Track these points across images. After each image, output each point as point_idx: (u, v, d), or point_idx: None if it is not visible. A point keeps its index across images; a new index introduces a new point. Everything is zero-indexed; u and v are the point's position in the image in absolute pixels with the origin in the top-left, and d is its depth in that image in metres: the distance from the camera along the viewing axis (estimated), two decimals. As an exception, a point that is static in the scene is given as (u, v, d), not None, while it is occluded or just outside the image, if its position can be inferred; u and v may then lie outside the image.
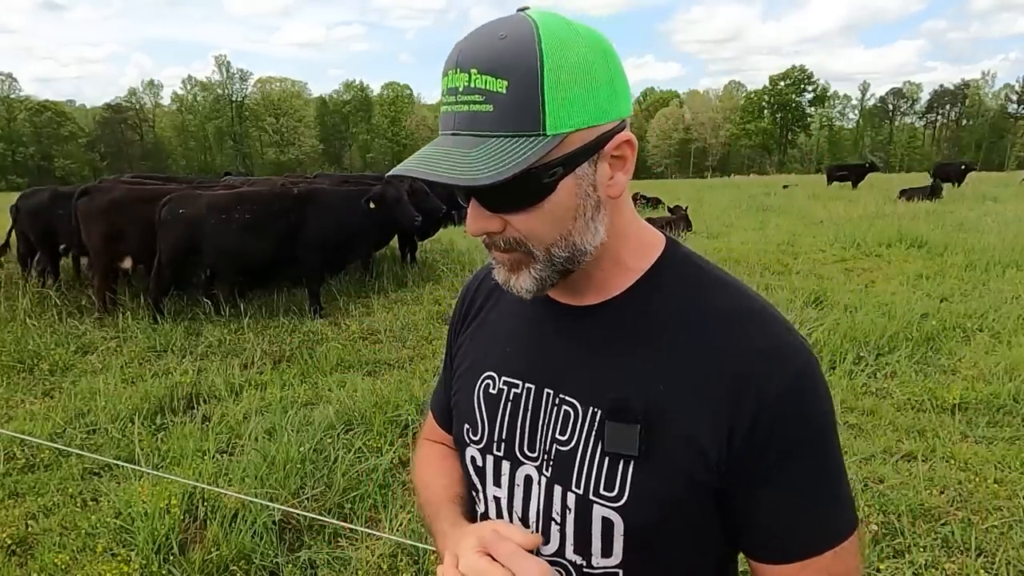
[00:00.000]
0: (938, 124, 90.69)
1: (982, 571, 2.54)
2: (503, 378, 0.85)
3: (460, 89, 0.66)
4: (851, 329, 5.29)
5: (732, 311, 0.74)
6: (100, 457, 3.50)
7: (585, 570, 0.76)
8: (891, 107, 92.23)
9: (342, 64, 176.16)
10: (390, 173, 0.73)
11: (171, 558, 2.64)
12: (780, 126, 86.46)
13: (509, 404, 0.83)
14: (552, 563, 0.77)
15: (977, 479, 3.21)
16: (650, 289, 0.78)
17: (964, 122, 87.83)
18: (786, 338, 0.73)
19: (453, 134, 0.68)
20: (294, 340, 5.80)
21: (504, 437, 0.82)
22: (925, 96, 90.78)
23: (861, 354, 4.90)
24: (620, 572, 0.75)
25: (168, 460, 3.51)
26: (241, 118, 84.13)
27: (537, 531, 0.79)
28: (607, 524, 0.74)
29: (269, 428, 3.82)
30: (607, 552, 0.75)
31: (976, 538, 2.70)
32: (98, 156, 76.30)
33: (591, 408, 0.75)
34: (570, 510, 0.76)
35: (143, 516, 2.79)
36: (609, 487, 0.73)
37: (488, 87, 0.64)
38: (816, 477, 0.72)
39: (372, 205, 6.57)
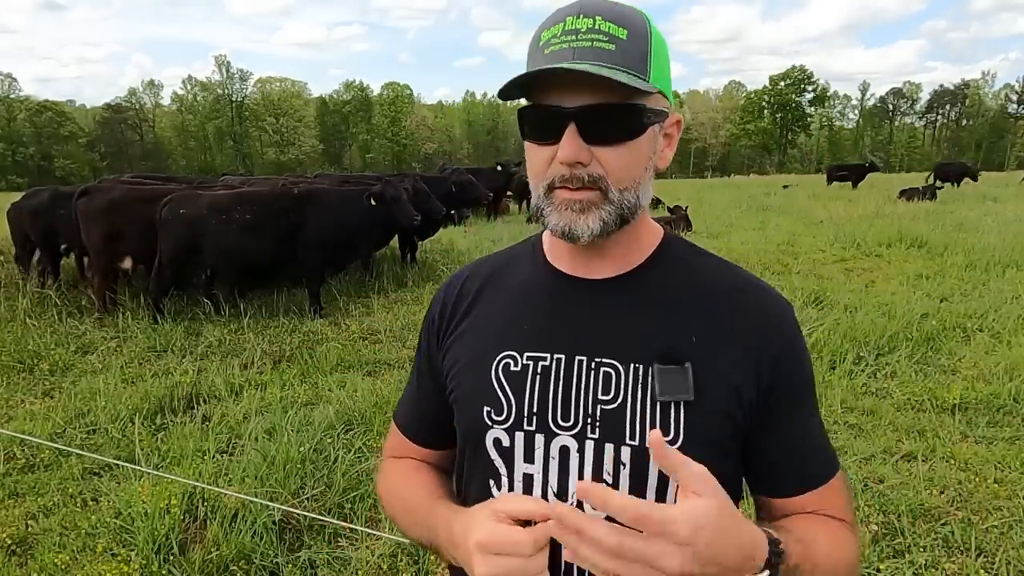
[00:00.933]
0: (938, 124, 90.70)
1: (982, 571, 2.54)
2: (526, 354, 0.85)
3: (583, 29, 0.74)
4: (851, 329, 5.29)
5: (734, 276, 0.87)
6: (100, 457, 3.50)
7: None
8: (891, 107, 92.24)
9: (342, 64, 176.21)
10: (544, 68, 0.73)
11: (171, 558, 2.64)
12: (780, 126, 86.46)
13: (538, 377, 0.83)
14: None
15: (977, 479, 3.21)
16: (662, 263, 0.87)
17: (964, 122, 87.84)
18: (780, 298, 0.87)
19: (575, 63, 0.73)
20: (294, 340, 5.80)
21: (536, 410, 0.82)
22: (925, 96, 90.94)
23: (861, 354, 4.90)
24: None
25: (168, 460, 3.51)
26: (241, 118, 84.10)
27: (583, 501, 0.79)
28: (663, 472, 0.75)
29: (269, 428, 3.82)
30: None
31: (976, 538, 2.70)
32: (98, 156, 76.28)
33: (632, 364, 0.80)
34: (624, 465, 0.78)
35: (143, 516, 2.79)
36: (664, 432, 0.77)
37: (611, 31, 0.74)
38: (815, 414, 0.88)
39: (373, 202, 6.58)
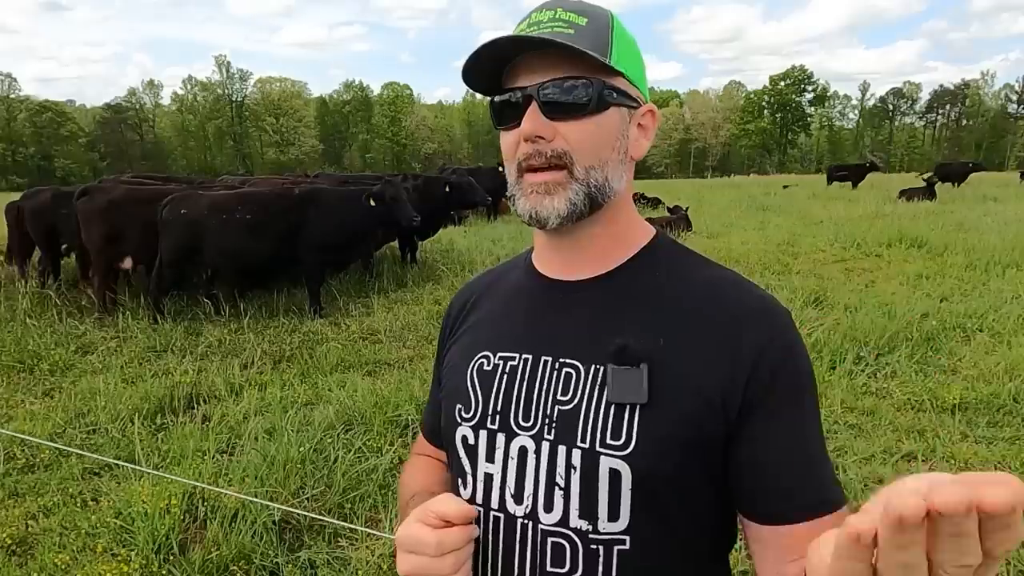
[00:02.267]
0: (938, 124, 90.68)
1: (982, 571, 2.54)
2: (499, 354, 0.85)
3: (545, 20, 0.77)
4: (851, 329, 5.28)
5: (720, 278, 0.83)
6: (100, 457, 3.49)
7: (591, 536, 0.75)
8: (891, 107, 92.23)
9: (343, 64, 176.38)
10: (490, 40, 0.76)
11: (171, 558, 2.64)
12: (780, 126, 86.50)
13: (505, 376, 0.83)
14: (555, 536, 0.76)
15: (977, 479, 3.20)
16: (645, 263, 0.85)
17: (964, 122, 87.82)
18: (770, 301, 0.80)
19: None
20: (294, 340, 5.80)
21: (499, 409, 0.82)
22: (925, 96, 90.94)
23: (861, 354, 4.90)
24: (627, 539, 0.75)
25: (168, 460, 3.51)
26: (241, 118, 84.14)
27: (537, 502, 0.78)
28: (614, 477, 0.74)
29: (269, 428, 3.81)
30: (614, 514, 0.74)
31: (976, 538, 2.70)
32: (98, 156, 76.29)
33: (593, 366, 0.78)
34: (575, 468, 0.76)
35: (143, 516, 2.79)
36: (616, 436, 0.74)
37: (571, 20, 0.77)
38: (813, 430, 0.76)
39: (372, 202, 6.58)
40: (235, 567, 2.60)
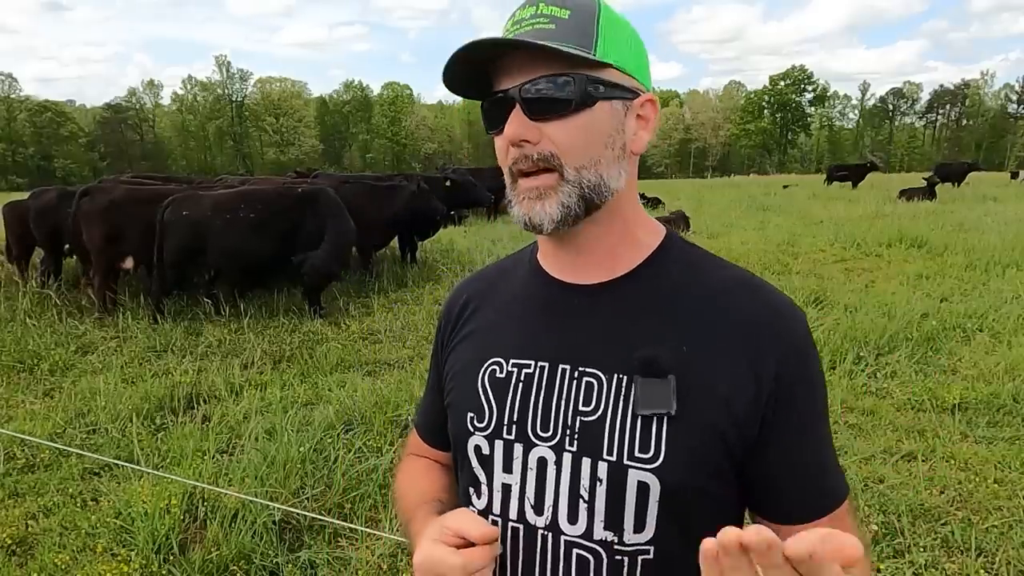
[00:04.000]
0: (938, 124, 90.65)
1: (982, 571, 2.54)
2: (512, 361, 0.83)
3: (527, 17, 0.75)
4: (851, 329, 5.28)
5: (738, 280, 0.81)
6: (100, 457, 3.49)
7: (616, 548, 0.74)
8: (891, 107, 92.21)
9: (343, 64, 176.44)
10: (462, 46, 0.73)
11: (171, 558, 2.64)
12: (780, 126, 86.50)
13: (520, 384, 0.81)
14: (580, 547, 0.75)
15: (977, 479, 3.20)
16: (660, 264, 0.82)
17: (964, 122, 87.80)
18: (792, 308, 0.79)
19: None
20: (294, 340, 5.80)
21: (516, 419, 0.80)
22: (925, 96, 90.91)
23: (861, 354, 4.90)
24: (651, 549, 0.74)
25: (168, 460, 3.51)
26: (241, 118, 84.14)
27: (558, 513, 0.76)
28: (642, 490, 0.73)
29: (269, 428, 3.81)
30: (640, 526, 0.73)
31: (976, 538, 2.70)
32: (98, 156, 76.27)
33: (615, 375, 0.76)
34: (601, 481, 0.74)
35: (143, 516, 2.79)
36: (644, 449, 0.73)
37: (553, 13, 0.74)
38: (825, 435, 0.79)
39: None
40: (235, 567, 2.60)
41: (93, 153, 76.91)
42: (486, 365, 0.85)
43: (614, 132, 0.77)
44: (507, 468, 0.80)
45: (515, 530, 0.79)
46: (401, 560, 2.65)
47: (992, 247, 8.82)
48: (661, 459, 0.72)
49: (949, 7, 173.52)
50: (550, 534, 0.76)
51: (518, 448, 0.80)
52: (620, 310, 0.79)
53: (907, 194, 17.69)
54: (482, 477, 0.82)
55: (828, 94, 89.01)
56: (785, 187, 25.90)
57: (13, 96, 75.55)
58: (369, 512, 3.03)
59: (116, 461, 3.41)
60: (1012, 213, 13.33)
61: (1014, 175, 27.55)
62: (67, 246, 7.60)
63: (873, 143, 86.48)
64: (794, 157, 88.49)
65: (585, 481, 0.75)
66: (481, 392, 0.83)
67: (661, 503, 0.72)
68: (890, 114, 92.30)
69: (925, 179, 18.80)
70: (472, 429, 0.83)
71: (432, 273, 8.56)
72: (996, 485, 3.14)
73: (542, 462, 0.78)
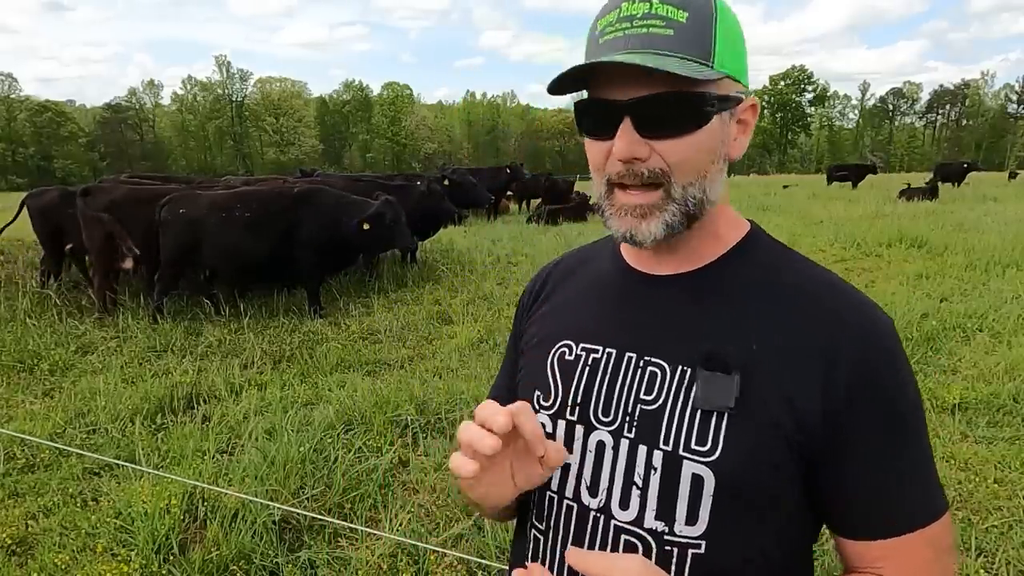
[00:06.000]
0: (938, 124, 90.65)
1: (982, 571, 2.54)
2: (581, 344, 0.84)
3: (638, 15, 0.69)
4: (851, 329, 5.27)
5: (820, 280, 0.77)
6: (100, 457, 3.49)
7: (666, 538, 0.73)
8: (891, 107, 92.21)
9: (343, 64, 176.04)
10: (579, 65, 0.69)
11: (171, 558, 2.64)
12: (780, 126, 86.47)
13: (587, 369, 0.82)
14: (629, 534, 0.75)
15: (977, 479, 3.20)
16: (740, 259, 0.80)
17: (964, 122, 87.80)
18: (876, 311, 0.75)
19: (627, 52, 0.69)
20: (294, 340, 5.80)
21: (579, 401, 0.81)
22: (925, 96, 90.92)
23: (861, 354, 4.89)
24: (703, 544, 0.72)
25: (168, 460, 3.51)
26: (241, 118, 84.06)
27: (612, 498, 0.76)
28: (696, 482, 0.72)
29: (269, 428, 3.81)
30: (692, 518, 0.72)
31: (976, 538, 2.70)
32: (98, 156, 76.23)
33: (680, 367, 0.76)
34: (656, 469, 0.74)
35: (143, 516, 2.79)
36: (701, 441, 0.72)
37: (669, 15, 0.69)
38: (912, 451, 0.73)
39: (366, 227, 6.38)
40: (235, 567, 2.60)
41: (93, 153, 76.81)
42: (556, 347, 0.86)
43: (720, 144, 0.75)
44: (568, 448, 0.81)
45: (569, 508, 0.80)
46: (401, 560, 2.65)
47: (992, 247, 8.82)
48: (718, 453, 0.71)
49: (949, 7, 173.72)
50: (602, 517, 0.77)
51: (579, 430, 0.81)
52: (690, 301, 0.79)
53: (907, 194, 17.69)
54: None
55: (828, 94, 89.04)
56: (785, 187, 25.91)
57: (13, 96, 75.48)
58: (369, 512, 3.03)
59: (116, 461, 3.41)
60: (1012, 213, 13.32)
61: (1012, 175, 27.56)
62: (69, 246, 7.58)
63: (873, 143, 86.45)
64: (794, 157, 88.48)
65: (640, 468, 0.75)
66: (549, 372, 0.85)
67: (715, 498, 0.72)
68: (890, 114, 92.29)
69: (926, 183, 18.80)
70: (537, 407, 0.85)
71: (432, 273, 8.55)
72: (996, 485, 3.14)
73: (601, 446, 0.79)
